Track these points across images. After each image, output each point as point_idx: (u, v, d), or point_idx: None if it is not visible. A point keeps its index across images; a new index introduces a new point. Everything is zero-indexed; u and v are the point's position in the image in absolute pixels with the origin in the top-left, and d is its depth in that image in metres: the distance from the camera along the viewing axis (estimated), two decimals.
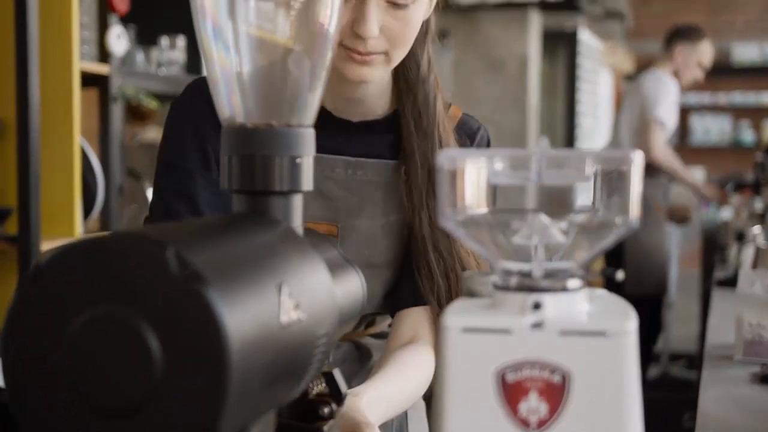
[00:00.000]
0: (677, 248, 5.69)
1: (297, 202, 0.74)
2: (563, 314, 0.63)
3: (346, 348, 1.44)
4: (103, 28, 2.98)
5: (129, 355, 0.56)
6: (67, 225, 2.77)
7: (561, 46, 7.34)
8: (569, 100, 7.43)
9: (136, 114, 3.65)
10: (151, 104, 3.28)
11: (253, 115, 0.74)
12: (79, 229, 2.81)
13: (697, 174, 8.36)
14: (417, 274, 1.33)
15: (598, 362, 0.61)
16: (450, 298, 1.31)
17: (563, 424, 0.62)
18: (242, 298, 0.58)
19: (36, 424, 0.58)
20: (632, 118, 4.47)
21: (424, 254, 1.32)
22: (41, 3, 2.62)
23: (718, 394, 1.57)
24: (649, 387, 4.87)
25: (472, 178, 0.66)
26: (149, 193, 3.21)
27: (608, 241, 0.66)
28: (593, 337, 0.61)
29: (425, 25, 1.33)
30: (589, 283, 0.67)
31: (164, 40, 3.45)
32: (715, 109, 9.72)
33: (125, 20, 3.11)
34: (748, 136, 9.60)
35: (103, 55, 2.98)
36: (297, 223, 0.74)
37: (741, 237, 3.11)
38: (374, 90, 1.35)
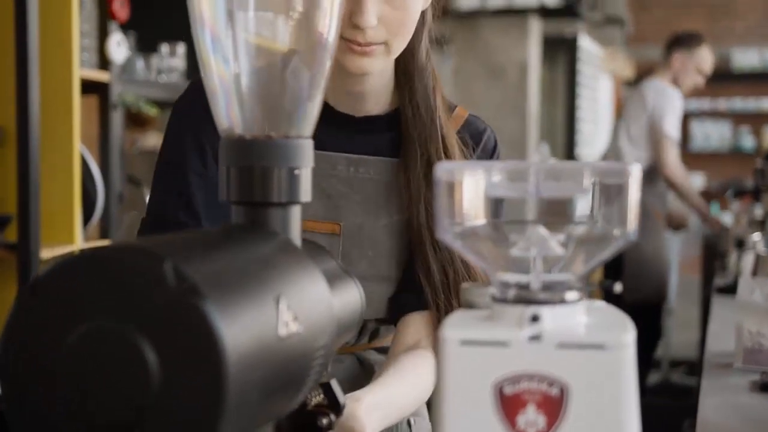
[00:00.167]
0: (677, 255, 5.69)
1: (295, 213, 0.74)
2: (561, 327, 0.63)
3: (349, 363, 1.40)
4: (103, 35, 2.98)
5: (126, 369, 0.56)
6: (66, 232, 2.77)
7: (561, 53, 7.34)
8: (569, 106, 7.43)
9: (136, 120, 3.65)
10: (151, 111, 3.29)
11: (252, 126, 0.74)
12: (78, 237, 2.81)
13: (696, 180, 8.38)
14: (416, 270, 1.31)
15: (596, 375, 0.61)
16: (448, 294, 1.28)
17: None
18: (240, 311, 0.58)
19: None
20: (635, 128, 4.48)
21: (420, 248, 1.30)
22: (41, 10, 2.63)
23: (718, 402, 1.57)
24: (649, 393, 4.87)
25: (470, 190, 0.66)
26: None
27: (607, 253, 0.66)
28: (591, 349, 0.61)
29: (423, 16, 1.32)
30: (589, 295, 0.67)
31: (164, 47, 3.45)
32: (715, 114, 9.72)
33: (125, 27, 3.12)
34: (748, 141, 9.61)
35: (103, 63, 2.99)
36: (295, 234, 0.74)
37: (741, 244, 3.11)
38: (376, 84, 1.33)
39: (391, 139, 1.35)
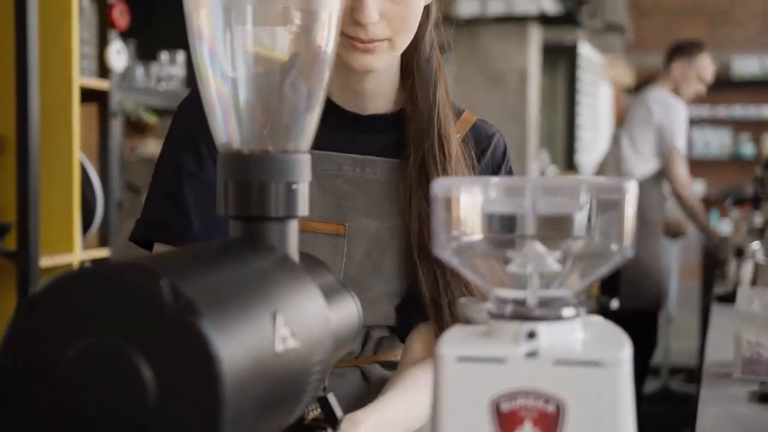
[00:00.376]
0: (677, 262, 5.69)
1: (293, 227, 0.74)
2: (558, 343, 0.63)
3: (353, 377, 1.36)
4: (103, 43, 2.98)
5: (123, 385, 0.56)
6: (66, 240, 2.77)
7: (561, 60, 7.35)
8: (569, 113, 7.44)
9: (135, 127, 3.65)
10: (151, 119, 3.29)
11: (250, 140, 0.74)
12: (78, 245, 2.81)
13: (696, 187, 8.38)
14: (416, 271, 1.28)
15: (593, 392, 0.61)
16: (447, 297, 1.27)
17: None
18: (236, 328, 0.58)
19: None
20: (639, 138, 4.48)
21: (418, 256, 1.28)
22: (42, 18, 2.63)
23: (717, 413, 1.57)
24: (648, 401, 4.87)
25: (467, 206, 0.66)
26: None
27: (604, 269, 0.66)
28: (588, 367, 0.61)
29: (427, 10, 1.30)
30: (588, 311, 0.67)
31: (164, 55, 3.46)
32: (715, 122, 9.73)
33: (125, 35, 3.12)
34: (748, 149, 9.62)
35: (103, 71, 2.99)
36: (293, 248, 0.75)
37: (740, 252, 3.11)
38: (381, 81, 1.31)
39: (397, 138, 1.33)
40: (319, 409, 0.79)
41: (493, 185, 0.66)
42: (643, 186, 4.44)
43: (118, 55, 3.00)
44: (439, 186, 0.67)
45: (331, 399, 0.79)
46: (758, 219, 3.64)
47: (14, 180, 2.59)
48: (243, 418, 0.58)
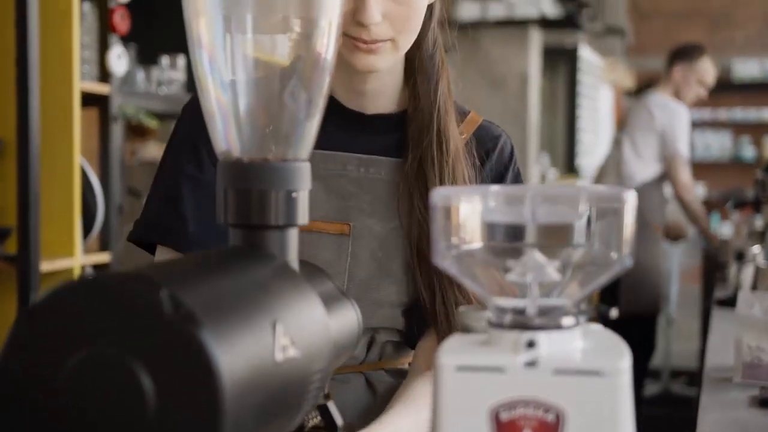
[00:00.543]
0: (678, 265, 5.69)
1: (293, 235, 0.75)
2: (557, 352, 0.63)
3: (357, 383, 1.33)
4: (103, 48, 2.98)
5: (123, 395, 0.56)
6: (66, 245, 2.77)
7: (561, 63, 7.35)
8: (570, 117, 7.44)
9: (136, 130, 3.65)
10: (152, 123, 3.29)
11: (250, 149, 0.74)
12: (78, 249, 2.81)
13: (697, 190, 8.37)
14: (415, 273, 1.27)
15: (592, 401, 0.61)
16: (445, 305, 1.26)
17: None
18: (236, 338, 0.58)
19: None
20: (641, 142, 4.49)
21: (417, 259, 1.27)
22: (42, 23, 2.63)
23: (717, 418, 1.57)
24: (649, 404, 4.87)
25: (466, 216, 0.66)
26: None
27: (603, 279, 0.66)
28: (587, 376, 0.61)
29: (431, 9, 1.29)
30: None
31: (165, 60, 3.46)
32: (715, 125, 9.74)
33: (126, 39, 3.12)
34: (748, 152, 9.62)
35: (104, 75, 2.99)
36: (293, 256, 0.75)
37: (741, 256, 3.11)
38: (386, 81, 1.31)
39: (401, 138, 1.32)
40: (319, 417, 0.79)
41: (493, 194, 0.66)
42: (644, 189, 4.44)
43: (119, 59, 3.00)
44: (438, 195, 0.67)
45: (331, 407, 0.79)
46: (759, 222, 3.64)
47: (15, 184, 2.59)
48: (243, 428, 0.58)
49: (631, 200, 0.65)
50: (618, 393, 0.61)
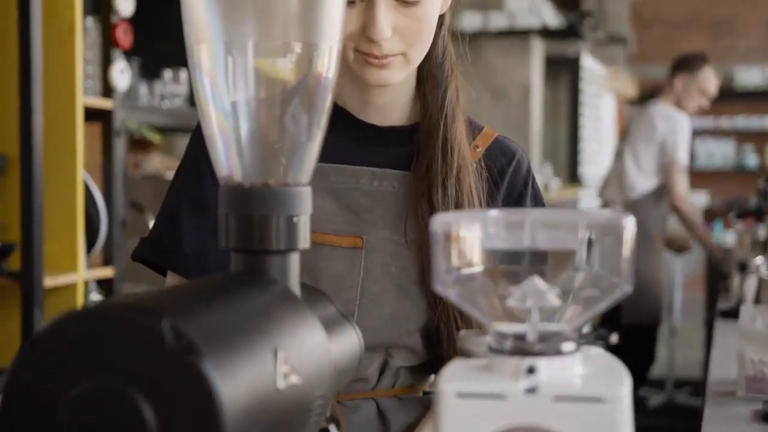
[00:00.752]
0: (681, 274, 5.68)
1: (294, 260, 0.75)
2: (557, 379, 0.63)
3: (368, 411, 1.29)
4: (106, 62, 2.99)
5: (125, 426, 0.56)
6: (70, 260, 2.78)
7: (563, 72, 7.36)
8: (572, 126, 7.45)
9: (139, 143, 3.66)
10: (154, 138, 3.30)
11: (251, 174, 0.74)
12: (82, 264, 2.81)
13: (700, 198, 8.38)
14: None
15: (593, 428, 0.62)
16: (447, 329, 1.25)
17: None
18: (238, 367, 0.59)
19: None
20: (642, 153, 4.49)
21: (420, 260, 1.26)
22: (45, 38, 2.64)
23: None
24: (653, 414, 4.86)
25: (466, 242, 0.66)
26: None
27: (603, 305, 0.67)
28: (588, 402, 0.62)
29: (441, 19, 1.28)
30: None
31: (167, 73, 3.46)
32: (718, 133, 9.74)
33: (128, 53, 3.13)
34: (751, 160, 9.62)
35: (107, 90, 3.00)
36: (294, 281, 0.75)
37: (743, 267, 3.11)
38: (398, 94, 1.30)
39: (414, 150, 1.31)
40: None
41: (492, 220, 0.67)
42: (645, 200, 4.44)
43: (122, 74, 3.01)
44: (437, 221, 0.67)
45: (333, 431, 0.79)
46: (762, 232, 3.64)
47: (18, 200, 2.60)
48: None
49: (630, 226, 0.65)
50: (618, 419, 0.62)
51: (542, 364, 0.63)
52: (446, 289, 0.67)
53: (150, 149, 3.74)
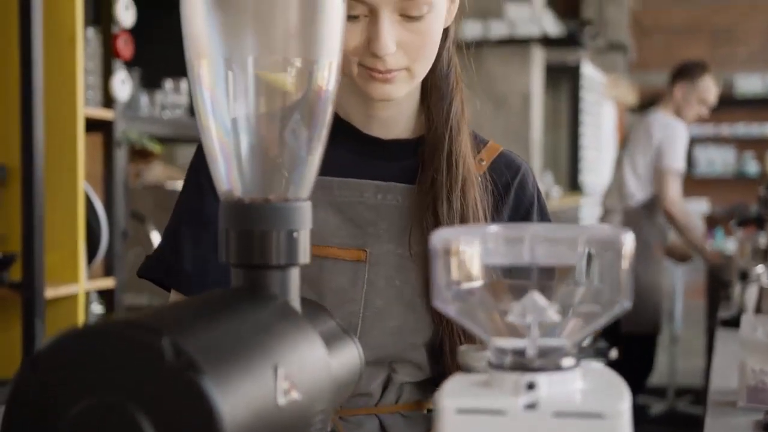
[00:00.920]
0: (683, 281, 5.68)
1: (294, 275, 0.75)
2: (557, 394, 0.63)
3: (371, 427, 1.27)
4: (107, 73, 2.99)
5: None
6: (71, 271, 2.78)
7: (564, 80, 7.37)
8: (573, 134, 7.45)
9: (140, 152, 3.67)
10: (155, 148, 3.30)
11: (251, 189, 0.74)
12: (83, 275, 2.81)
13: (701, 205, 8.38)
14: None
15: None
16: (448, 343, 1.24)
17: None
18: (238, 384, 0.59)
19: None
20: (641, 162, 4.49)
21: (423, 274, 1.25)
22: (46, 49, 2.65)
23: None
24: (655, 423, 4.86)
25: (465, 257, 0.67)
26: (153, 236, 3.22)
27: (603, 320, 0.67)
28: (587, 418, 0.62)
29: (446, 31, 1.27)
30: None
31: (168, 83, 3.47)
32: (718, 140, 9.75)
33: (129, 64, 3.14)
34: (752, 167, 9.63)
35: (107, 100, 3.00)
36: (294, 295, 0.75)
37: (744, 276, 3.10)
38: (403, 108, 1.29)
39: (418, 164, 1.30)
40: None
41: (492, 236, 0.67)
42: (644, 209, 4.44)
43: (123, 84, 3.01)
44: (437, 237, 0.67)
45: None
46: (763, 240, 3.63)
47: (19, 210, 2.60)
48: None
49: (629, 242, 0.65)
50: None
51: (542, 379, 0.63)
52: (446, 304, 0.67)
53: (151, 158, 3.75)
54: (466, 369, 0.71)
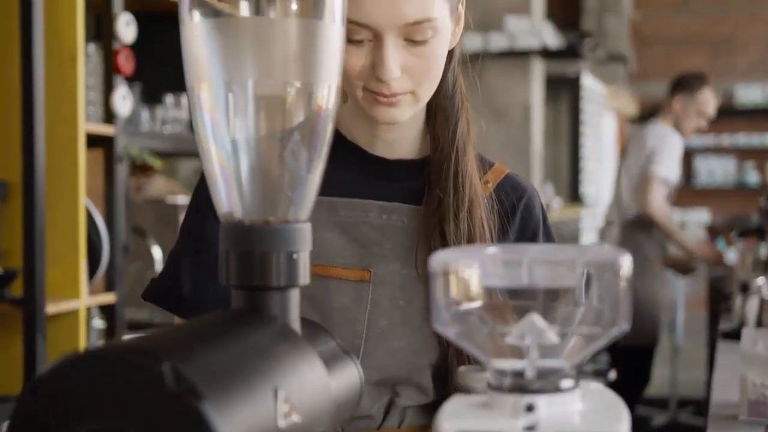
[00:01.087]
0: (683, 292, 5.67)
1: (294, 296, 0.75)
2: (556, 416, 0.63)
3: None
4: (108, 89, 3.00)
5: None
6: (72, 286, 2.78)
7: (564, 92, 7.38)
8: (573, 145, 7.46)
9: (142, 166, 3.67)
10: (156, 164, 3.31)
11: (251, 211, 0.75)
12: (84, 291, 2.82)
13: (701, 216, 8.38)
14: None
15: None
16: (448, 364, 1.24)
17: None
18: (238, 408, 0.59)
19: None
20: (634, 172, 4.49)
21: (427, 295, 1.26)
22: (48, 65, 2.66)
23: None
24: None
25: (464, 280, 0.67)
26: (154, 251, 3.22)
27: (601, 342, 0.67)
28: None
29: (450, 54, 1.27)
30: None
31: (169, 98, 3.47)
32: (719, 150, 9.76)
33: (130, 79, 3.14)
34: (752, 177, 9.64)
35: (108, 116, 3.01)
36: (294, 317, 0.75)
37: (745, 288, 3.10)
38: (408, 129, 1.30)
39: (424, 184, 1.30)
40: None
41: (490, 258, 0.67)
42: (642, 221, 4.43)
43: (124, 100, 3.02)
44: (436, 260, 0.68)
45: None
46: (764, 251, 3.63)
47: (20, 226, 2.60)
48: None
49: (626, 263, 0.66)
50: None
51: (541, 401, 0.64)
52: (445, 326, 0.68)
53: (152, 172, 3.76)
54: (466, 390, 0.71)
